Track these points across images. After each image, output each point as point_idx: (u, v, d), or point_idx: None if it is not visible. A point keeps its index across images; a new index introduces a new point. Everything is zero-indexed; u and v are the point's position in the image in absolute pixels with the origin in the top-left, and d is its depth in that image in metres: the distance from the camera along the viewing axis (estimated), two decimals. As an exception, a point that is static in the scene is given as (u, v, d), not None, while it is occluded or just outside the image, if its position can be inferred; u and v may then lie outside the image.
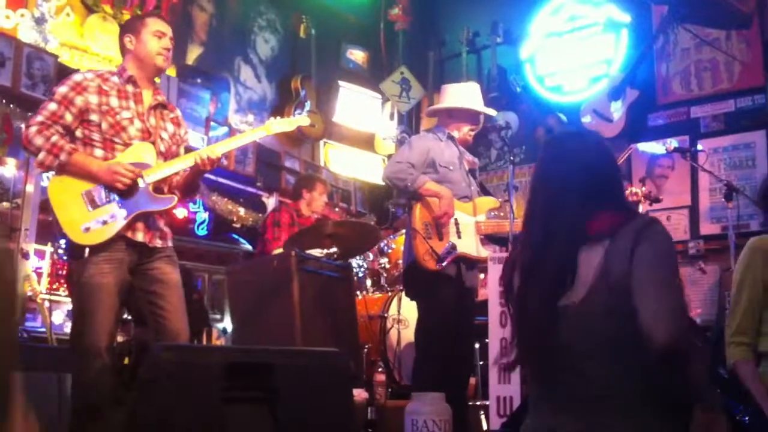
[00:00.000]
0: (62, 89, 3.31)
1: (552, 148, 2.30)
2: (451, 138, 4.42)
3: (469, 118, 4.44)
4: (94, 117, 3.30)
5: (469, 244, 4.23)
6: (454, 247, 4.14)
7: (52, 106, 3.27)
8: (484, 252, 4.29)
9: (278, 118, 3.69)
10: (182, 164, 3.40)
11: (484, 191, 4.64)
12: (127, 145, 3.33)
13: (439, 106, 4.57)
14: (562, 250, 2.05)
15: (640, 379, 1.95)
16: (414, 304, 4.53)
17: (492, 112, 4.63)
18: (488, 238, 4.39)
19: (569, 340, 2.00)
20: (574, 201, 2.10)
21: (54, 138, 3.22)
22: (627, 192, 4.68)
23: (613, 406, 1.94)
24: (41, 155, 3.21)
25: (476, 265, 4.38)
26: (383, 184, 8.26)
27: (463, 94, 4.49)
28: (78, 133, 3.31)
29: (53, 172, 3.29)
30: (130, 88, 3.42)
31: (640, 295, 1.93)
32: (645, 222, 2.01)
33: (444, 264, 4.10)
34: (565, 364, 2.01)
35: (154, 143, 3.40)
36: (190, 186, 3.55)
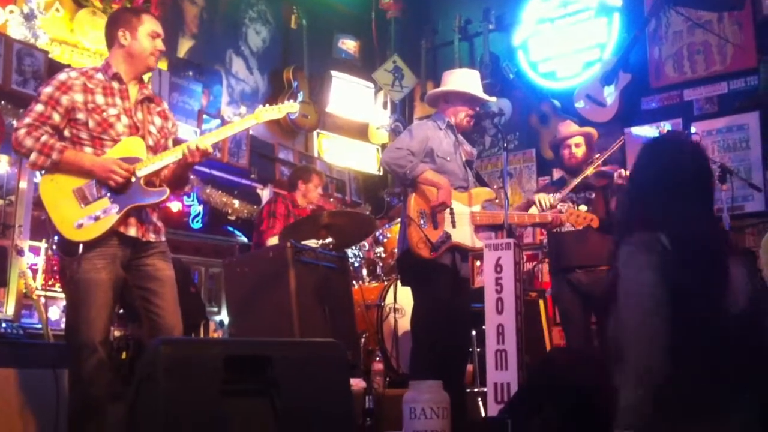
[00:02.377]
0: (47, 90, 3.29)
1: (674, 145, 2.36)
2: (450, 127, 4.42)
3: (465, 103, 4.43)
4: (80, 115, 3.28)
5: (463, 234, 4.23)
6: (448, 236, 4.14)
7: (39, 108, 3.26)
8: (479, 242, 4.29)
9: (267, 105, 3.66)
10: (173, 157, 3.38)
11: (481, 182, 4.64)
12: (115, 141, 3.32)
13: (436, 90, 4.56)
14: (722, 259, 2.12)
15: None
16: (410, 292, 4.54)
17: (490, 99, 4.62)
18: (483, 228, 4.40)
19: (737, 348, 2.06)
20: (700, 205, 2.18)
21: (44, 138, 3.21)
22: (616, 174, 4.69)
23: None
24: (33, 156, 3.20)
25: (470, 255, 4.39)
26: (378, 173, 8.35)
27: (460, 79, 4.48)
28: (66, 132, 3.30)
29: (44, 171, 3.27)
30: (115, 84, 3.40)
31: None
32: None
33: (438, 252, 4.10)
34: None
35: (143, 137, 3.39)
36: (178, 179, 3.53)
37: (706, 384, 2.05)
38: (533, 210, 4.67)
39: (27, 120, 3.24)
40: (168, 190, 3.39)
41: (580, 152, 4.95)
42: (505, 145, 4.53)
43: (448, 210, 4.20)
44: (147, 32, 3.44)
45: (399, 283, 5.27)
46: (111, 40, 3.48)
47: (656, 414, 2.04)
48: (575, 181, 4.78)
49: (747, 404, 2.01)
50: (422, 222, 4.14)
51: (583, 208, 4.58)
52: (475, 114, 4.44)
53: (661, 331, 2.06)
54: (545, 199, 4.61)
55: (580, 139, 4.97)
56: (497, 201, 4.73)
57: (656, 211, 2.19)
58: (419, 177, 4.16)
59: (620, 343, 2.11)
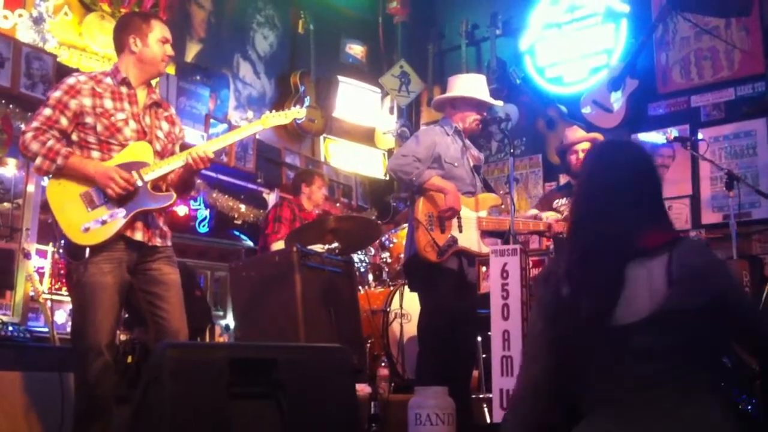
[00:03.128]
0: (56, 94, 3.31)
1: (603, 154, 2.28)
2: (457, 132, 4.42)
3: (472, 108, 4.42)
4: (89, 120, 3.30)
5: (470, 239, 4.23)
6: (455, 240, 4.14)
7: (47, 111, 3.27)
8: (485, 248, 4.29)
9: (274, 111, 3.67)
10: (179, 161, 3.39)
11: (487, 187, 4.63)
12: (123, 146, 3.33)
13: (443, 96, 4.56)
14: (611, 262, 2.03)
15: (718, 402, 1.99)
16: (416, 298, 4.54)
17: (497, 103, 4.61)
18: (489, 234, 4.40)
19: (634, 357, 1.99)
20: (623, 210, 2.09)
21: (50, 143, 3.22)
22: None
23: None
24: (38, 160, 3.22)
25: (476, 260, 4.38)
26: (384, 178, 8.35)
27: (467, 84, 4.48)
28: (74, 136, 3.31)
29: (51, 176, 3.29)
30: (124, 89, 3.42)
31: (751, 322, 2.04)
32: (706, 254, 2.06)
33: (444, 257, 4.10)
34: (624, 380, 2.00)
35: (150, 142, 3.40)
36: (185, 183, 3.55)
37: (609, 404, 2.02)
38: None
39: (35, 124, 3.26)
40: (175, 195, 3.40)
41: (587, 158, 4.94)
42: (511, 150, 4.53)
43: (457, 213, 4.20)
44: (157, 38, 3.45)
45: (405, 289, 5.27)
46: (121, 45, 3.49)
47: None
48: None
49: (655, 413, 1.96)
50: (430, 226, 4.14)
51: None
52: (482, 119, 4.44)
53: (532, 369, 2.11)
54: (551, 216, 4.63)
55: (587, 145, 4.97)
56: (503, 207, 4.73)
57: (577, 228, 2.18)
58: (426, 183, 4.16)
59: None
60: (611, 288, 1.99)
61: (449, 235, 4.15)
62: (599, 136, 5.07)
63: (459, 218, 4.23)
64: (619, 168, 2.16)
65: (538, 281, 2.20)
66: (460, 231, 4.21)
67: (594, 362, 2.03)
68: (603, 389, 2.03)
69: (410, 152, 4.23)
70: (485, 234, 4.36)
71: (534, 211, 4.81)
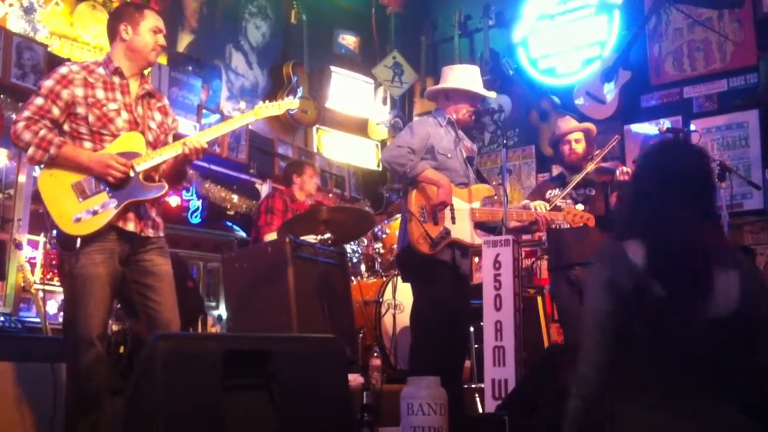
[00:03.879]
0: (48, 83, 3.29)
1: (663, 149, 2.34)
2: (450, 123, 4.41)
3: (466, 100, 4.42)
4: (80, 110, 3.28)
5: (463, 230, 4.23)
6: (448, 231, 4.14)
7: (39, 101, 3.25)
8: (478, 239, 4.29)
9: (267, 102, 3.66)
10: (172, 152, 3.38)
11: (480, 178, 4.63)
12: (115, 136, 3.32)
13: (437, 87, 4.55)
14: (699, 263, 2.10)
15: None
16: (409, 288, 4.54)
17: (490, 94, 4.59)
18: (480, 227, 4.39)
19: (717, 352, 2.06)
20: (690, 207, 2.15)
21: (42, 132, 3.20)
22: (618, 171, 4.68)
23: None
24: (31, 150, 3.20)
25: (470, 251, 4.39)
26: (377, 169, 8.35)
27: (461, 75, 4.47)
28: (66, 126, 3.30)
29: (43, 166, 3.27)
30: (116, 79, 3.40)
31: None
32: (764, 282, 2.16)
33: (437, 248, 4.10)
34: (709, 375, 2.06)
35: (142, 133, 3.39)
36: (177, 174, 3.53)
37: (670, 391, 2.07)
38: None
39: (26, 113, 3.24)
40: (167, 186, 3.38)
41: (580, 148, 4.95)
42: (504, 141, 4.53)
43: (448, 206, 4.20)
44: (149, 27, 3.44)
45: (398, 280, 5.28)
46: (113, 34, 3.48)
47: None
48: (577, 178, 4.77)
49: (726, 412, 2.03)
50: (423, 218, 4.14)
51: (580, 207, 4.59)
52: (475, 110, 4.44)
53: (596, 348, 2.12)
54: (541, 206, 4.62)
55: (579, 135, 4.97)
56: (496, 198, 4.73)
57: (638, 216, 2.21)
58: (419, 176, 4.16)
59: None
60: (705, 288, 2.06)
61: (442, 227, 4.15)
62: (591, 126, 5.07)
63: (452, 210, 4.23)
64: (696, 162, 2.25)
65: (604, 265, 2.19)
66: (453, 222, 4.21)
67: (665, 355, 2.08)
68: (669, 382, 2.07)
69: (404, 143, 4.22)
70: (478, 226, 4.36)
71: (525, 202, 4.81)
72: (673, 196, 2.16)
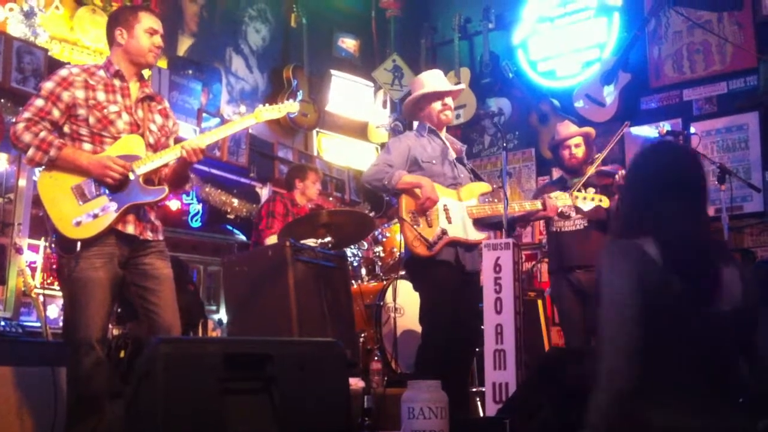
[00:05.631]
0: (48, 85, 3.29)
1: (667, 151, 2.40)
2: (432, 131, 4.41)
3: (434, 100, 4.41)
4: (81, 112, 3.28)
5: (460, 228, 4.23)
6: (444, 232, 4.14)
7: (39, 102, 3.25)
8: (478, 235, 4.29)
9: (267, 105, 3.66)
10: (172, 155, 3.38)
11: (477, 177, 4.62)
12: (115, 138, 3.32)
13: (405, 102, 4.56)
14: (711, 259, 2.17)
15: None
16: (409, 291, 4.53)
17: (457, 88, 4.56)
18: (482, 223, 4.38)
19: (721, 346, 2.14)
20: (693, 207, 2.23)
21: (42, 134, 3.20)
22: (618, 176, 4.68)
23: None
24: (30, 152, 3.20)
25: (476, 248, 4.37)
26: (371, 189, 8.32)
27: (421, 81, 4.47)
28: (66, 128, 3.30)
29: (42, 168, 3.27)
30: (117, 82, 3.40)
31: None
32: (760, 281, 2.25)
33: (435, 249, 4.10)
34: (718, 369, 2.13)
35: (143, 135, 3.39)
36: (178, 178, 3.53)
37: (686, 386, 2.11)
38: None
39: (26, 114, 3.24)
40: (167, 189, 3.39)
41: (580, 152, 4.95)
42: (504, 144, 4.52)
43: (442, 206, 4.20)
44: (144, 29, 3.44)
45: (398, 283, 5.27)
46: (110, 38, 3.49)
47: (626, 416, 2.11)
48: (579, 182, 4.76)
49: (731, 405, 2.09)
50: (415, 221, 4.15)
51: (591, 190, 4.56)
52: (446, 107, 4.40)
53: (626, 338, 2.12)
54: (562, 197, 4.57)
55: (579, 140, 4.97)
56: (495, 200, 4.72)
57: (647, 216, 2.24)
58: (399, 184, 4.17)
59: (599, 344, 2.17)
60: (715, 283, 2.14)
61: (438, 228, 4.15)
62: (591, 131, 5.08)
63: (446, 210, 4.23)
64: (692, 165, 2.31)
65: (627, 259, 2.23)
66: (450, 222, 4.21)
67: (677, 349, 2.12)
68: (682, 376, 2.11)
69: (381, 161, 4.27)
70: (478, 222, 4.35)
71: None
72: (676, 196, 2.21)
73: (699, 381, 2.11)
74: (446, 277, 4.15)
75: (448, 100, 4.43)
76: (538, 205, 4.45)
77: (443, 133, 4.47)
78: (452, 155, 4.43)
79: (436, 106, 4.40)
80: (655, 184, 2.27)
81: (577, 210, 4.72)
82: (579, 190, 4.60)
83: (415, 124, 4.71)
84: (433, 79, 4.47)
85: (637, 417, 2.09)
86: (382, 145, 8.24)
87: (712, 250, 2.20)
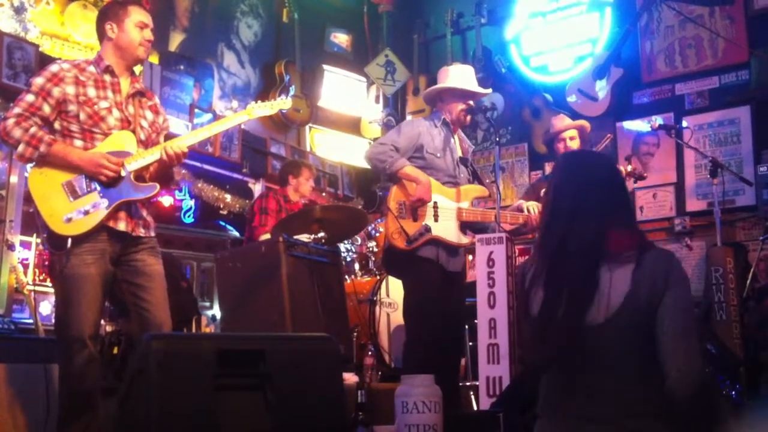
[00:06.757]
0: (39, 80, 3.28)
1: (571, 161, 2.42)
2: (446, 124, 4.42)
3: (457, 98, 4.42)
4: (71, 108, 3.27)
5: (446, 229, 4.23)
6: (427, 229, 4.14)
7: (30, 98, 3.24)
8: (462, 238, 4.29)
9: (259, 101, 3.66)
10: (158, 153, 3.37)
11: (477, 180, 4.63)
12: (106, 134, 3.31)
13: (430, 89, 4.56)
14: (584, 265, 2.13)
15: (660, 398, 2.04)
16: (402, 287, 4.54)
17: (483, 91, 4.58)
18: (469, 227, 4.38)
19: (592, 355, 2.09)
20: (593, 214, 2.18)
21: (32, 129, 3.19)
22: None
23: (633, 420, 2.03)
24: (21, 147, 3.18)
25: (460, 250, 4.38)
26: (370, 167, 8.33)
27: (452, 75, 4.48)
28: (56, 125, 3.28)
29: (33, 164, 3.26)
30: (107, 77, 3.39)
31: (670, 346, 2.04)
32: (672, 261, 2.13)
33: (413, 245, 4.10)
34: (589, 377, 2.09)
35: (134, 131, 3.37)
36: (162, 177, 3.50)
37: (556, 401, 2.14)
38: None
39: (16, 110, 3.22)
40: (158, 185, 3.38)
41: (575, 145, 4.96)
42: (497, 139, 4.53)
43: (432, 204, 4.20)
44: (134, 23, 3.43)
45: (392, 278, 5.27)
46: (100, 33, 3.48)
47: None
48: None
49: (602, 413, 2.06)
50: (401, 214, 4.15)
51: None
52: (468, 108, 4.44)
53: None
54: (533, 206, 4.62)
55: (574, 132, 4.99)
56: (489, 198, 4.73)
57: (546, 230, 2.29)
58: (399, 172, 4.17)
59: None
60: (585, 291, 2.09)
61: (422, 224, 4.15)
62: (585, 124, 5.09)
63: (436, 207, 4.23)
64: (587, 173, 2.28)
65: (516, 276, 2.31)
66: (436, 220, 4.21)
67: (558, 363, 2.14)
68: (562, 393, 2.14)
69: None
70: (468, 226, 4.35)
71: (519, 203, 4.82)
72: (579, 206, 2.21)
73: (567, 396, 2.12)
74: (426, 274, 4.15)
75: (471, 102, 4.44)
76: (521, 219, 4.45)
77: (458, 131, 4.48)
78: (457, 153, 4.44)
79: (459, 104, 4.40)
80: (561, 197, 2.28)
81: None
82: None
83: (407, 112, 4.71)
84: (462, 77, 4.46)
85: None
86: (375, 140, 8.24)
87: (602, 255, 2.14)
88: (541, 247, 2.26)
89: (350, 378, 4.54)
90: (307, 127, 7.99)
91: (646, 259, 2.10)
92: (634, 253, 2.11)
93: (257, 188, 7.17)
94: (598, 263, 2.11)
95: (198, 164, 6.51)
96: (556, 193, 2.29)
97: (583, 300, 2.08)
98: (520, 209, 4.57)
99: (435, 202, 4.21)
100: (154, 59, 6.34)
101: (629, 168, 4.70)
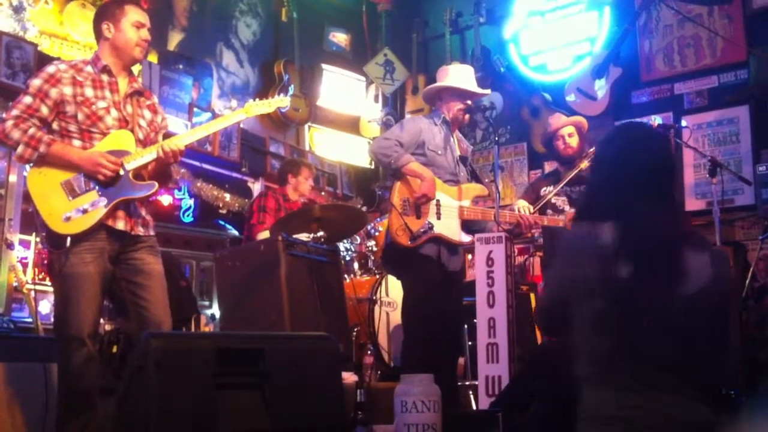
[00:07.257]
0: (36, 82, 3.28)
1: (639, 136, 2.36)
2: (445, 122, 4.43)
3: (457, 97, 4.43)
4: (69, 108, 3.27)
5: (448, 227, 4.23)
6: (430, 226, 4.15)
7: (28, 99, 3.24)
8: (463, 237, 4.29)
9: (257, 100, 3.66)
10: (155, 152, 3.37)
11: (476, 179, 4.63)
12: (104, 134, 3.31)
13: (429, 87, 4.57)
14: (673, 243, 2.14)
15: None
16: (401, 286, 4.54)
17: (481, 92, 4.59)
18: (470, 226, 4.38)
19: (674, 336, 2.09)
20: (668, 192, 2.21)
21: (31, 131, 3.19)
22: None
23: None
24: (20, 148, 3.19)
25: (460, 249, 4.38)
26: (369, 167, 8.34)
27: (452, 74, 4.49)
28: (54, 125, 3.29)
29: (32, 164, 3.26)
30: (105, 77, 3.39)
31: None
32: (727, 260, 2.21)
33: (417, 242, 4.10)
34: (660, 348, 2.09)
35: (132, 131, 3.37)
36: (160, 175, 3.49)
37: (644, 366, 2.10)
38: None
39: (15, 112, 3.22)
40: (157, 184, 3.37)
41: (574, 142, 4.98)
42: (496, 138, 4.54)
43: (434, 201, 4.21)
44: (131, 23, 3.42)
45: (391, 277, 5.28)
46: (97, 33, 3.48)
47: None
48: (569, 175, 4.78)
49: (690, 386, 2.06)
50: (405, 210, 4.15)
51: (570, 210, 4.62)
52: (467, 108, 4.44)
53: (545, 320, 2.39)
54: (525, 208, 4.63)
55: (572, 129, 5.00)
56: (489, 197, 4.73)
57: (608, 200, 2.23)
58: (404, 168, 4.18)
59: None
60: (678, 268, 2.10)
61: (425, 221, 4.15)
62: (582, 120, 5.10)
63: (438, 205, 4.23)
64: (659, 150, 2.28)
65: (573, 241, 2.26)
66: (438, 218, 4.21)
67: (636, 338, 2.09)
68: (639, 364, 2.09)
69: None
70: (465, 227, 4.36)
71: (512, 204, 4.85)
72: (638, 181, 2.19)
73: (659, 364, 2.09)
74: (427, 272, 4.15)
75: (469, 101, 4.45)
76: (509, 218, 4.45)
77: (456, 132, 4.49)
78: (456, 152, 4.44)
79: (458, 103, 4.41)
80: (617, 168, 2.25)
81: (572, 204, 4.73)
82: (569, 194, 4.64)
83: (406, 112, 4.72)
84: (461, 76, 4.47)
85: (587, 404, 2.11)
86: (374, 139, 8.24)
87: (678, 236, 2.17)
88: (619, 222, 2.17)
89: (349, 377, 4.54)
90: (306, 126, 7.99)
91: (714, 251, 2.15)
92: (699, 238, 2.16)
93: (256, 187, 7.17)
94: (681, 243, 2.14)
95: (197, 163, 6.51)
96: (620, 167, 2.25)
97: (676, 278, 2.09)
98: (511, 210, 4.59)
99: (438, 200, 4.22)
100: (153, 58, 6.34)
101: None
